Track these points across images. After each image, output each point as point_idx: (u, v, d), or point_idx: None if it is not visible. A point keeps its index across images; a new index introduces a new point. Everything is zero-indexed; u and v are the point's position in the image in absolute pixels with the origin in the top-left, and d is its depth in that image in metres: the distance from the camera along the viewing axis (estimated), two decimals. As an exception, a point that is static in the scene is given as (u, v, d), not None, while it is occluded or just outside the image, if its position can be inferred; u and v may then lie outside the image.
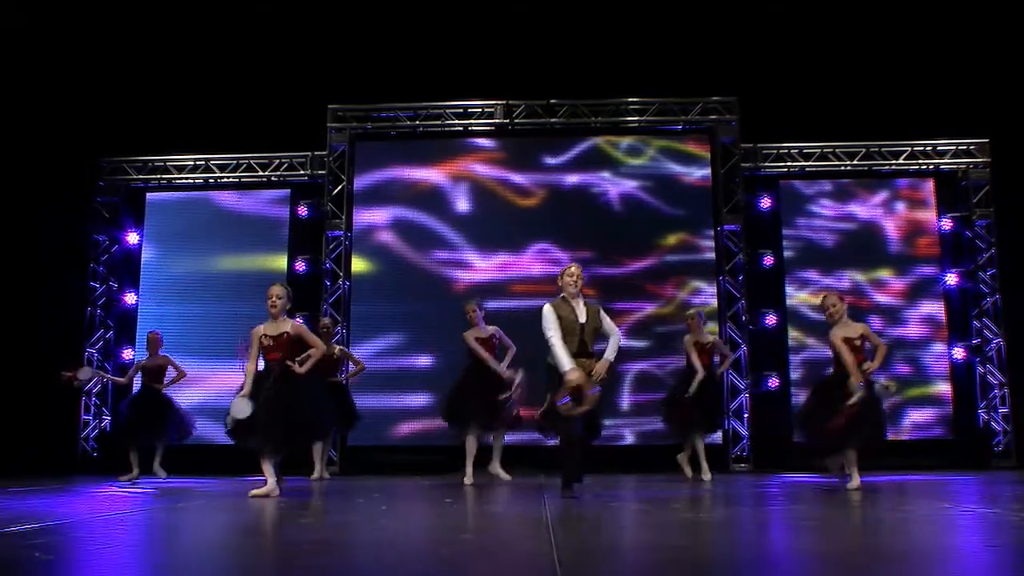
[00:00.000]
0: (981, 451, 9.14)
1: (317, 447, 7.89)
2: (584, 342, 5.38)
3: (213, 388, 9.46)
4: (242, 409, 5.43)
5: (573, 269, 5.57)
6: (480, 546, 3.30)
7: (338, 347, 8.36)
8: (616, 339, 5.53)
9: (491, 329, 7.12)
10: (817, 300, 9.65)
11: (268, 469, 5.58)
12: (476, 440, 7.06)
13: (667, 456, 8.31)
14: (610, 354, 5.46)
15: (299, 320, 5.95)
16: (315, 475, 7.92)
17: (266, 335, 5.72)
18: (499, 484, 6.80)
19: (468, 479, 6.92)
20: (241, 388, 5.58)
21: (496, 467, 7.17)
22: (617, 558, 3.00)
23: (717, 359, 7.76)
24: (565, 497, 5.08)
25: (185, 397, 9.48)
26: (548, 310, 5.38)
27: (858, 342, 5.89)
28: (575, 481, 5.25)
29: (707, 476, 7.35)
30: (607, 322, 5.56)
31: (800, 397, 9.45)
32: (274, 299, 5.78)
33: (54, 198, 9.45)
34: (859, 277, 9.65)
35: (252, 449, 5.57)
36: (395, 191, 9.85)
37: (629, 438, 9.20)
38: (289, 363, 5.69)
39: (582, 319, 5.41)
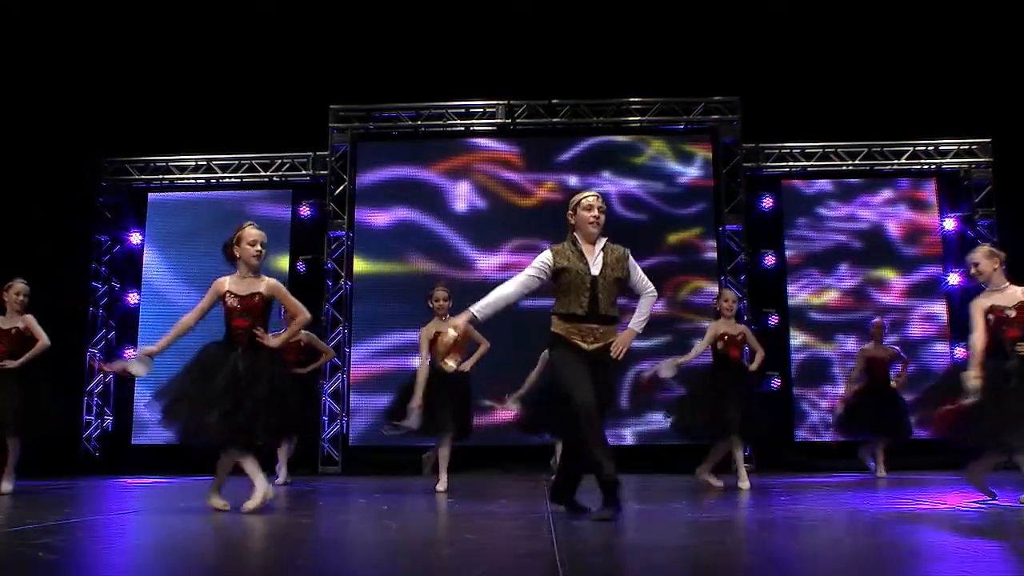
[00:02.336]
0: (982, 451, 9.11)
1: (283, 447, 7.12)
2: (597, 302, 4.05)
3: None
4: (137, 368, 4.38)
5: (592, 199, 4.17)
6: (481, 546, 3.30)
7: (305, 332, 7.31)
8: (648, 301, 4.24)
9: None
10: (819, 300, 9.72)
11: (253, 469, 4.47)
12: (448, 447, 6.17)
13: (667, 456, 8.32)
14: (637, 323, 4.18)
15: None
16: (280, 479, 7.13)
17: (231, 293, 4.53)
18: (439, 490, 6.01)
19: (442, 484, 6.08)
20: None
21: (443, 480, 6.17)
22: (617, 558, 3.00)
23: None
24: (567, 510, 4.23)
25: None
26: (545, 254, 4.16)
27: (1012, 313, 4.69)
28: (568, 494, 4.26)
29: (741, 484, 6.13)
30: (637, 275, 4.22)
31: (802, 397, 9.48)
32: (258, 247, 4.61)
33: (56, 198, 9.47)
34: (861, 277, 9.65)
35: (211, 447, 4.48)
36: (397, 191, 9.85)
37: (629, 438, 9.20)
38: (258, 332, 4.51)
39: (595, 270, 4.09)
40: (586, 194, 4.24)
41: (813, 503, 5.05)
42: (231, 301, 4.51)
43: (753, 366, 6.52)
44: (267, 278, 4.66)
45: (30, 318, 6.07)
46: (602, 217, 4.16)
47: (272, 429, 4.47)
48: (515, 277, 4.19)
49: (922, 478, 7.35)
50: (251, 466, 4.47)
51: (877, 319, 8.07)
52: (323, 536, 3.66)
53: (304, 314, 4.68)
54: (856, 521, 4.22)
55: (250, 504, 4.41)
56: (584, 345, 4.06)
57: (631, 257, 4.24)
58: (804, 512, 4.54)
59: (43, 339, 6.08)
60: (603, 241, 4.20)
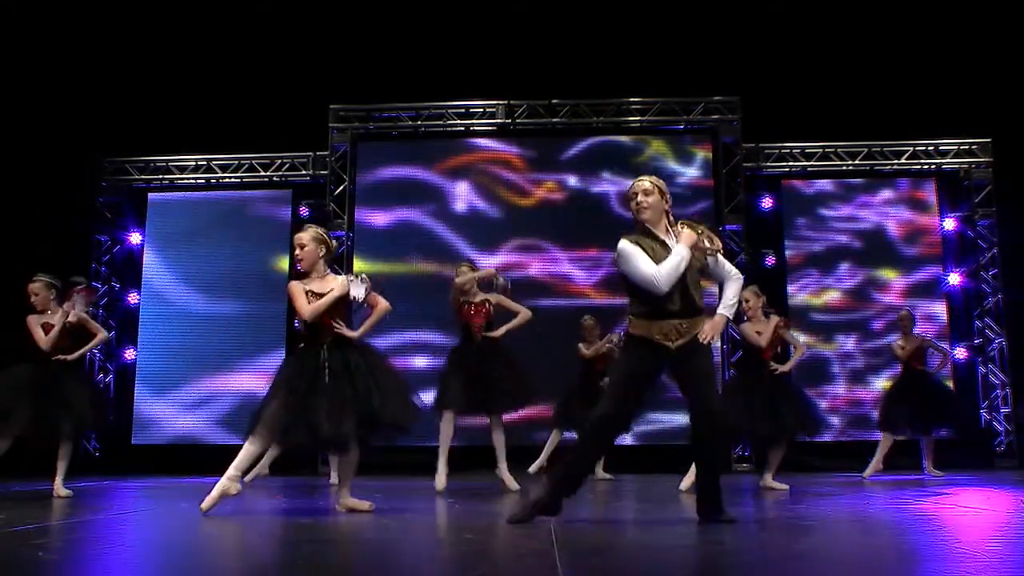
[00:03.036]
0: (983, 451, 9.13)
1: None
2: (688, 293, 3.74)
3: (213, 388, 9.49)
4: (359, 286, 4.43)
5: (634, 189, 3.86)
6: (481, 546, 3.30)
7: None
8: (736, 285, 3.89)
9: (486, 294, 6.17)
10: (819, 300, 9.72)
11: (239, 465, 4.35)
12: (452, 424, 5.99)
13: (666, 456, 8.31)
14: (726, 308, 3.85)
15: (351, 277, 4.64)
16: (333, 480, 7.06)
17: (312, 291, 4.49)
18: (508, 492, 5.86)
19: (440, 482, 5.86)
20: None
21: (504, 471, 6.10)
22: (617, 558, 3.00)
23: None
24: (514, 520, 3.79)
25: (184, 397, 9.54)
26: (626, 244, 3.76)
27: None
28: (555, 504, 3.80)
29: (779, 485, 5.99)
30: (718, 259, 3.88)
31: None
32: (296, 250, 4.60)
33: (56, 198, 9.46)
34: (861, 277, 9.65)
35: (304, 447, 4.40)
36: (397, 191, 9.85)
37: (628, 438, 9.18)
38: (338, 326, 4.47)
39: None
40: (634, 183, 3.92)
41: (813, 503, 5.05)
42: (313, 300, 4.49)
43: (786, 367, 6.37)
44: (341, 276, 4.68)
45: (80, 312, 5.97)
46: (647, 200, 3.82)
47: (392, 416, 4.43)
48: (651, 265, 3.71)
49: (923, 478, 7.36)
50: (244, 458, 4.32)
51: (904, 311, 7.97)
52: (323, 536, 3.66)
53: (383, 303, 4.78)
54: (856, 521, 4.23)
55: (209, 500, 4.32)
56: (669, 344, 3.72)
57: None
58: (804, 512, 4.54)
59: (101, 332, 6.10)
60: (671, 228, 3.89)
